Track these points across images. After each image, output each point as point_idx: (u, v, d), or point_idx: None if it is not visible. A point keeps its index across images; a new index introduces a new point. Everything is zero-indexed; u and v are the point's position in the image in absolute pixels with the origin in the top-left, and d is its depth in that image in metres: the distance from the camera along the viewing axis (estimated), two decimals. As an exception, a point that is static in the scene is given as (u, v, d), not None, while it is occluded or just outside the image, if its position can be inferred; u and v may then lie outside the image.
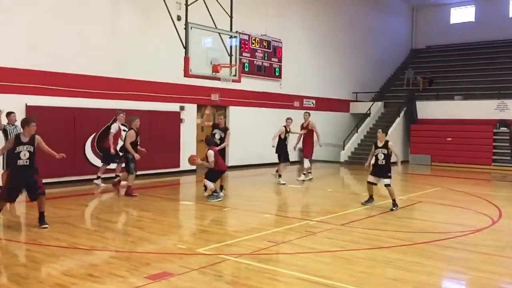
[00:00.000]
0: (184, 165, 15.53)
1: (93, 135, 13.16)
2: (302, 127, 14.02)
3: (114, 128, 12.08)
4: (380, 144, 9.88)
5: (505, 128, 19.62)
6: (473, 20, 27.77)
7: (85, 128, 12.99)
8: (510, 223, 8.87)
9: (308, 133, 13.84)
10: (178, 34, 11.66)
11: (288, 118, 13.51)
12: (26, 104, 11.79)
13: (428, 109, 21.90)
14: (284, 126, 13.24)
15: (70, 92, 12.66)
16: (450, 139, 20.19)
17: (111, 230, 7.93)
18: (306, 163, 13.93)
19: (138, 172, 14.01)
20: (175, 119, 15.33)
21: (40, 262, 5.93)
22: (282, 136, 13.15)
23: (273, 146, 13.10)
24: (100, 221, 8.52)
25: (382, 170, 9.67)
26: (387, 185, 9.56)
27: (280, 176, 13.15)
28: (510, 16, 26.55)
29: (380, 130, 10.15)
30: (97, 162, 13.17)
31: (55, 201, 9.92)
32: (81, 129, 12.86)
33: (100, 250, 6.43)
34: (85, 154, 12.98)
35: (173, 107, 15.26)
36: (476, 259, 6.27)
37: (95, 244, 6.70)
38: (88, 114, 12.97)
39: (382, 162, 9.66)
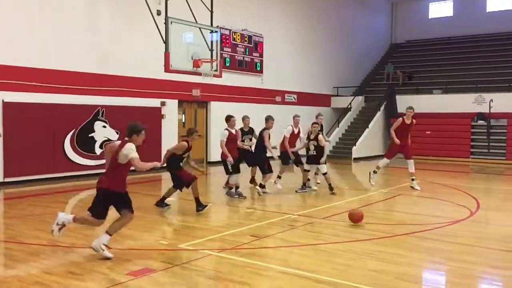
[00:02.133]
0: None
1: (73, 131, 12.98)
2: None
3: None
4: (312, 136, 10.81)
5: (483, 121, 19.98)
6: (451, 15, 28.14)
7: (64, 125, 12.82)
8: (487, 214, 9.05)
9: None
10: (158, 29, 11.55)
11: (297, 116, 11.90)
12: (2, 100, 11.58)
13: (407, 103, 21.84)
14: (291, 126, 11.56)
15: (49, 88, 12.47)
16: (429, 132, 20.46)
17: (91, 227, 7.82)
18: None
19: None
20: (156, 114, 15.22)
21: (20, 261, 5.84)
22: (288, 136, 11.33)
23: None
24: (81, 218, 8.41)
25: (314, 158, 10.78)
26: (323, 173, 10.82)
27: (279, 178, 11.41)
28: (487, 11, 26.97)
29: (315, 124, 11.03)
30: (76, 158, 13.03)
31: (34, 199, 9.78)
32: (60, 125, 12.69)
33: (81, 248, 6.36)
34: (64, 151, 12.80)
35: (154, 102, 15.14)
36: (455, 250, 6.38)
37: (75, 242, 6.63)
38: (67, 110, 12.80)
39: (313, 152, 10.73)
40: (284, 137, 11.36)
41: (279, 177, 11.36)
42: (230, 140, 10.02)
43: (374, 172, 12.05)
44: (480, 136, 20.07)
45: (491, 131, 19.73)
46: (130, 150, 5.86)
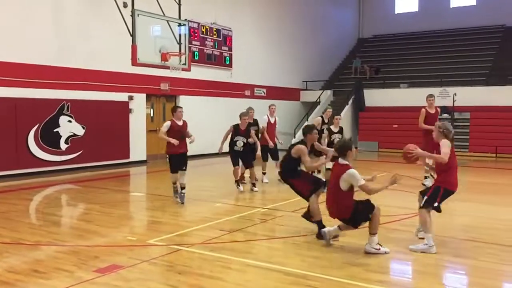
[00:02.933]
0: (134, 156, 15.27)
1: (37, 126, 12.64)
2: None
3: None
4: (335, 129, 10.77)
5: (447, 115, 20.45)
6: (417, 10, 28.67)
7: (28, 119, 12.46)
8: (451, 205, 9.25)
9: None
10: (125, 22, 11.35)
11: (329, 108, 11.67)
12: (-38, 94, 11.17)
13: (375, 97, 22.52)
14: (322, 117, 11.35)
15: (11, 82, 12.08)
16: (396, 125, 20.83)
17: (57, 224, 7.67)
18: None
19: (85, 164, 13.71)
20: (123, 109, 14.97)
21: (-19, 260, 5.66)
22: (319, 128, 10.78)
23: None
24: (45, 215, 8.23)
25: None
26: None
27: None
28: (451, 6, 27.60)
29: (337, 116, 11.00)
30: (40, 154, 12.70)
31: (-3, 196, 9.48)
32: (24, 120, 12.32)
33: (46, 245, 6.21)
34: (28, 146, 12.45)
35: (121, 96, 14.89)
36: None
37: (40, 239, 6.47)
38: (31, 104, 12.44)
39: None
40: (263, 127, 11.39)
41: (263, 173, 11.58)
42: (174, 132, 8.87)
43: (426, 178, 11.11)
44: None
45: (455, 124, 20.23)
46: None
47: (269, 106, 11.90)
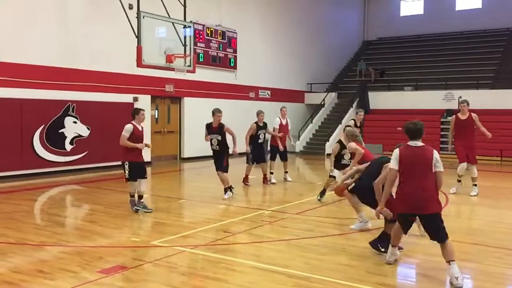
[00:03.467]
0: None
1: (42, 127, 12.69)
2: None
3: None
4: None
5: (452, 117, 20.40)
6: (422, 13, 28.61)
7: (33, 120, 12.51)
8: (456, 209, 9.25)
9: None
10: (130, 23, 11.37)
11: (360, 111, 11.67)
12: (-32, 95, 11.23)
13: (379, 100, 22.47)
14: (353, 120, 11.33)
15: (16, 83, 12.14)
16: (400, 128, 20.65)
17: (62, 225, 7.71)
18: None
19: (90, 165, 13.74)
20: (128, 110, 14.91)
21: (-14, 260, 5.69)
22: None
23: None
24: (50, 215, 8.26)
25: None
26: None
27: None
28: (456, 9, 27.52)
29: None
30: (45, 155, 12.75)
31: (2, 196, 9.52)
32: (29, 121, 12.38)
33: (50, 246, 6.24)
34: (33, 147, 12.50)
35: (126, 98, 14.93)
36: (425, 243, 6.49)
37: (44, 240, 6.49)
38: (36, 105, 12.50)
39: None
40: (274, 129, 11.69)
41: (271, 172, 11.68)
42: (134, 138, 8.25)
43: (459, 181, 10.72)
44: (449, 132, 20.47)
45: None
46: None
47: (281, 109, 12.24)
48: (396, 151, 5.23)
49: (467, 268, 5.63)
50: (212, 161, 9.85)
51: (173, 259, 5.70)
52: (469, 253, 6.18)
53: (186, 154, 17.03)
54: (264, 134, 11.36)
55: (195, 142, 17.00)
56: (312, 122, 22.46)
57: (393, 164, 5.24)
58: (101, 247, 6.18)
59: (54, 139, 12.94)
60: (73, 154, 13.41)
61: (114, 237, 6.77)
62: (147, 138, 15.67)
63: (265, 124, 11.40)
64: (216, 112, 9.70)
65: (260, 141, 11.26)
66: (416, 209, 5.12)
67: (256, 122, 11.25)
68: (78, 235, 6.95)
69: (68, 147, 13.30)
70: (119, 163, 8.70)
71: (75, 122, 13.47)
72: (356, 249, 6.13)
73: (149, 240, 6.51)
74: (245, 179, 11.32)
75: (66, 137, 13.25)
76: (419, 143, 5.20)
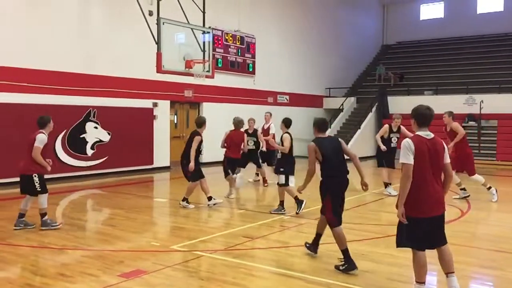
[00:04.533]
0: (158, 162, 15.43)
1: (64, 132, 12.90)
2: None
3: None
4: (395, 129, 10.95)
5: (474, 122, 20.10)
6: (442, 16, 28.31)
7: (56, 125, 12.61)
8: (478, 215, 9.10)
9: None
10: (150, 30, 11.50)
11: (397, 117, 11.41)
12: (-8, 101, 11.48)
13: (399, 104, 22.21)
14: (390, 125, 11.22)
15: (39, 89, 12.38)
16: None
17: (83, 229, 7.81)
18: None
19: (110, 170, 13.91)
20: (148, 115, 15.16)
21: (10, 263, 5.80)
22: (385, 137, 11.06)
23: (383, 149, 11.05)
24: (72, 219, 8.36)
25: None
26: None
27: (389, 184, 11.05)
28: (477, 12, 27.17)
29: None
30: (67, 159, 12.95)
31: (25, 200, 9.66)
32: (51, 126, 12.54)
33: (72, 249, 6.32)
34: (55, 152, 12.70)
35: (146, 103, 15.09)
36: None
37: (66, 243, 6.58)
38: (58, 111, 12.67)
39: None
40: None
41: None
42: (45, 149, 7.55)
43: (489, 188, 10.29)
44: (470, 137, 20.13)
45: (482, 132, 19.87)
46: None
47: (265, 114, 13.21)
48: (409, 142, 4.38)
49: (489, 275, 5.53)
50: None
51: (192, 264, 5.73)
52: (491, 260, 6.07)
53: (206, 159, 17.07)
54: (254, 141, 11.68)
55: (214, 147, 17.06)
56: (330, 127, 22.30)
57: (407, 157, 4.38)
58: (121, 251, 6.24)
59: (76, 144, 13.13)
60: (94, 159, 13.59)
61: (134, 242, 6.83)
62: (166, 143, 15.85)
63: (255, 131, 11.81)
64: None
65: (249, 147, 11.40)
66: (432, 211, 4.48)
67: (246, 130, 11.58)
68: (99, 239, 7.04)
69: (89, 152, 13.49)
70: (139, 167, 8.62)
71: (96, 128, 13.65)
72: (376, 255, 6.07)
73: (169, 245, 6.55)
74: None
75: (87, 142, 13.44)
76: (430, 134, 4.50)
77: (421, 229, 4.49)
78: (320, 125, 5.93)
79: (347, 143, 20.47)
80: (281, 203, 8.70)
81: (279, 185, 8.58)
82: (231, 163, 10.34)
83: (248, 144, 11.27)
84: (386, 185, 11.09)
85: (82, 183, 12.50)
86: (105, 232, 7.42)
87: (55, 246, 6.42)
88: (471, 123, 20.15)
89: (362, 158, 19.63)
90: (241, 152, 10.66)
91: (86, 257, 5.94)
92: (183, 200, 9.18)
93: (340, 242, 5.53)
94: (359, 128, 21.31)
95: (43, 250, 6.27)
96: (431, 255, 4.62)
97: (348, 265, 5.38)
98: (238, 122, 10.45)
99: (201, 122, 9.16)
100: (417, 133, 4.50)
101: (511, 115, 19.57)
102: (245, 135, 10.93)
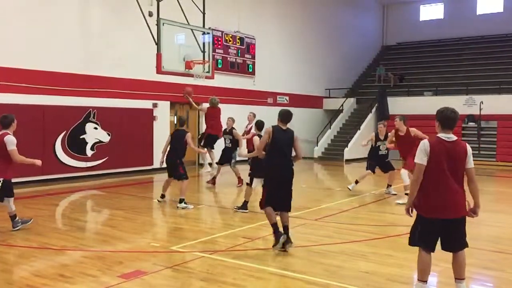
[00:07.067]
0: (158, 162, 15.38)
1: (64, 133, 12.89)
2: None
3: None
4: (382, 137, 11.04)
5: (473, 123, 20.11)
6: (442, 17, 28.32)
7: (55, 126, 12.72)
8: (479, 215, 9.07)
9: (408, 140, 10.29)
10: (150, 31, 11.53)
11: (380, 124, 11.43)
12: (-8, 101, 11.47)
13: (399, 105, 22.24)
14: (376, 133, 11.30)
15: (39, 90, 12.38)
16: (365, 144, 20.44)
17: (83, 230, 7.80)
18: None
19: (110, 171, 13.90)
20: (148, 116, 15.16)
21: (9, 263, 5.80)
22: (373, 144, 11.30)
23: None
24: (71, 220, 8.37)
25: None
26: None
27: (389, 186, 11.19)
28: (477, 13, 27.18)
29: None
30: (67, 160, 12.94)
31: (24, 201, 9.68)
32: (51, 127, 12.59)
33: (71, 250, 6.31)
34: (55, 153, 12.70)
35: (146, 104, 15.08)
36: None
37: (66, 244, 6.58)
38: (58, 111, 12.71)
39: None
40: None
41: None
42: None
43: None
44: (470, 138, 20.17)
45: (482, 132, 19.88)
46: None
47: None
48: (426, 143, 4.37)
49: (489, 276, 5.53)
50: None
51: (192, 265, 5.72)
52: (491, 261, 6.07)
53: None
54: (230, 139, 11.92)
55: (215, 148, 17.06)
56: (330, 128, 22.35)
57: (421, 158, 4.38)
58: (121, 252, 6.24)
59: (76, 145, 13.12)
60: (94, 160, 13.59)
61: (134, 242, 6.82)
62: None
63: (231, 130, 11.93)
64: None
65: (226, 145, 12.04)
66: (445, 213, 4.47)
67: (224, 129, 12.07)
68: (98, 240, 7.03)
69: (89, 152, 13.48)
70: (138, 168, 8.70)
71: (95, 128, 13.65)
72: (377, 256, 6.07)
73: (169, 246, 6.54)
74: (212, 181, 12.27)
75: (87, 143, 13.43)
76: (453, 137, 4.42)
77: (433, 230, 4.50)
78: (282, 115, 6.48)
79: (347, 144, 20.62)
80: (245, 202, 8.92)
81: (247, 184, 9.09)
82: (211, 140, 11.99)
83: (225, 142, 12.00)
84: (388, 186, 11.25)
85: (82, 183, 12.49)
86: (105, 233, 7.42)
87: (55, 247, 6.41)
88: (471, 123, 20.17)
89: (361, 160, 19.67)
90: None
91: (85, 258, 5.94)
92: (180, 202, 9.17)
93: (269, 218, 6.34)
94: (359, 129, 21.33)
95: (42, 251, 6.26)
96: (434, 255, 4.61)
97: (275, 239, 6.18)
98: (214, 100, 12.28)
99: (183, 121, 9.88)
100: (438, 135, 4.47)
101: (511, 116, 19.57)
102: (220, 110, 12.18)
